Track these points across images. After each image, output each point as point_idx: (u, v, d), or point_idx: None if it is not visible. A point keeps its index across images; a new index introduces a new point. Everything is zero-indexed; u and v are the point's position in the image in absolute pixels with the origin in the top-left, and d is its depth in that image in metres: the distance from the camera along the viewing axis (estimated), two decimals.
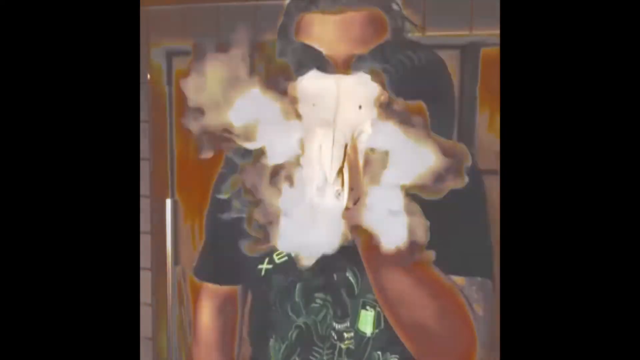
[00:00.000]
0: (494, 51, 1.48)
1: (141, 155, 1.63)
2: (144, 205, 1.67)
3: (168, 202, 1.72)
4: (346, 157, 0.50)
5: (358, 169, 0.50)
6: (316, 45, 0.57)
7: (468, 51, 1.49)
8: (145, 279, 1.70)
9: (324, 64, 0.55)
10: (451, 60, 1.52)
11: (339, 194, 0.50)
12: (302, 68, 0.53)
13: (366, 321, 0.66)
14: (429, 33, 1.42)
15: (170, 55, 1.70)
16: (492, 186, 1.43)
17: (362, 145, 0.51)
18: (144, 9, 1.59)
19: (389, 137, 0.49)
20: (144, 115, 1.63)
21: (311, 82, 0.53)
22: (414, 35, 0.67)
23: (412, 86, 0.53)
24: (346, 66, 0.57)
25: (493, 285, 0.63)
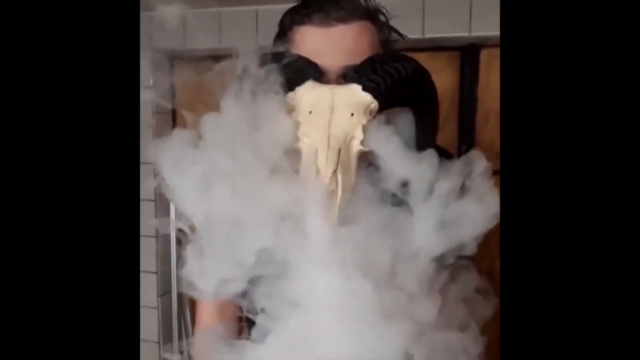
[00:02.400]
0: (494, 52, 1.53)
1: (143, 160, 1.68)
2: (149, 208, 1.72)
3: (172, 205, 1.78)
4: (340, 161, 0.55)
5: (351, 172, 0.57)
6: (311, 57, 0.61)
7: (467, 52, 1.54)
8: (151, 282, 1.76)
9: (319, 75, 0.60)
10: (451, 62, 1.58)
11: (334, 194, 0.56)
12: (299, 79, 0.59)
13: None
14: (428, 35, 1.48)
15: (172, 60, 1.75)
16: (493, 186, 1.48)
17: (354, 150, 0.57)
18: (145, 14, 1.66)
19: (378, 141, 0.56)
20: (147, 119, 1.69)
21: (308, 92, 0.59)
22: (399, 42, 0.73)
23: (399, 95, 0.59)
24: (339, 77, 0.62)
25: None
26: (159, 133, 1.89)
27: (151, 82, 1.92)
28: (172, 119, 1.77)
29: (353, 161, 0.57)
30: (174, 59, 1.74)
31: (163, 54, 1.69)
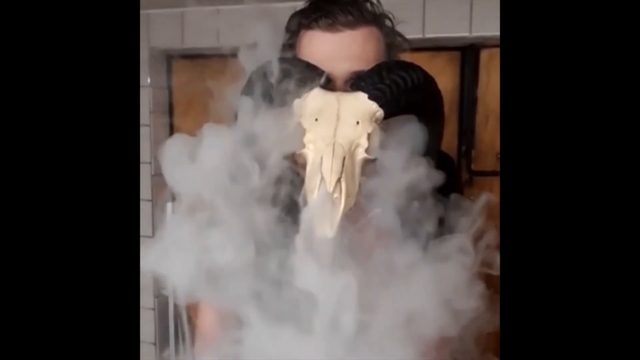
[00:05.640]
0: (494, 52, 1.54)
1: (142, 159, 1.69)
2: (146, 208, 1.72)
3: (169, 205, 1.78)
4: (344, 169, 0.56)
5: (354, 179, 0.58)
6: (317, 62, 0.62)
7: (468, 52, 1.55)
8: (147, 283, 1.77)
9: (325, 82, 0.61)
10: (451, 62, 1.59)
11: (337, 201, 0.57)
12: (305, 85, 0.60)
13: None
14: (428, 35, 1.49)
15: (169, 59, 1.76)
16: (493, 187, 1.50)
17: (359, 158, 0.58)
18: (144, 13, 1.66)
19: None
20: (144, 118, 1.69)
21: (314, 99, 0.60)
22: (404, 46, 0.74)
23: (405, 103, 0.61)
24: (346, 82, 0.63)
25: None
26: (156, 132, 1.89)
27: (148, 80, 1.92)
28: (169, 118, 1.77)
29: (357, 169, 0.58)
30: (172, 57, 1.75)
31: (160, 52, 1.70)
